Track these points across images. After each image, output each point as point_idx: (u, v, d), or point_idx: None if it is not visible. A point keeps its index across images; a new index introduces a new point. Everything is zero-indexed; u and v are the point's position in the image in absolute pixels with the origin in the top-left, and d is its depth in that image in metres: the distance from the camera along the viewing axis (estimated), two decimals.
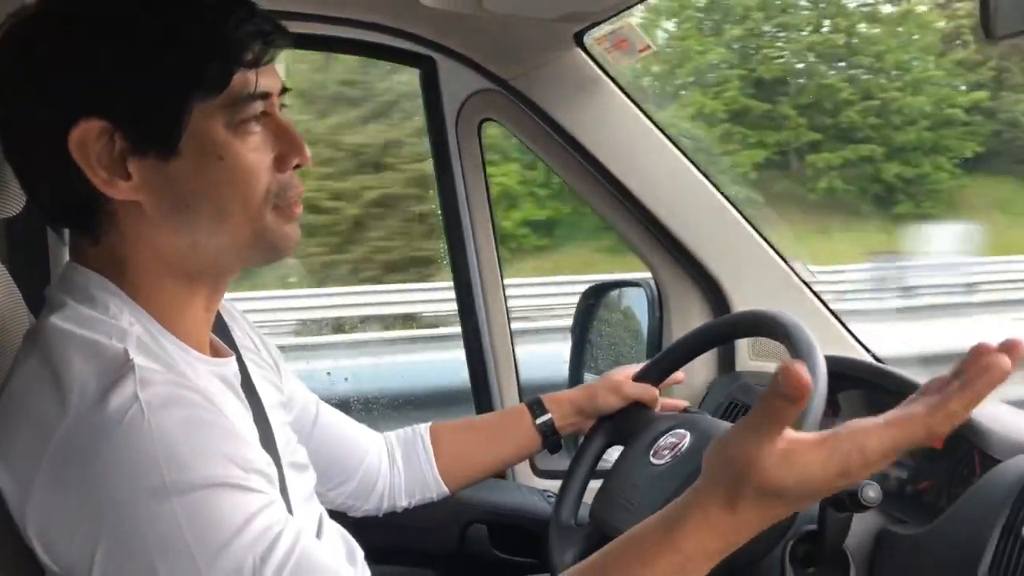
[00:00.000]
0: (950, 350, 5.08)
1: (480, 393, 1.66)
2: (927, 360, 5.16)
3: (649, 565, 0.70)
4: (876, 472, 0.67)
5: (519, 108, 1.49)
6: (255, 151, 0.80)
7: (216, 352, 0.91)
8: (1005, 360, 0.64)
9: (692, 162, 1.50)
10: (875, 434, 0.66)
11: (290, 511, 0.90)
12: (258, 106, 0.80)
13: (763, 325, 1.14)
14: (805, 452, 0.66)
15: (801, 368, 0.63)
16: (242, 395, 0.89)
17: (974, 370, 0.65)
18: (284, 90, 0.85)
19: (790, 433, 0.67)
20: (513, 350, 1.65)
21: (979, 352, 0.65)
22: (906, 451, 0.68)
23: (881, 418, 0.67)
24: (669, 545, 0.69)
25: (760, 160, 11.54)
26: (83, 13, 0.76)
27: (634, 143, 1.49)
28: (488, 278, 1.61)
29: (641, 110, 1.48)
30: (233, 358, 0.90)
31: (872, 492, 0.97)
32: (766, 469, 0.66)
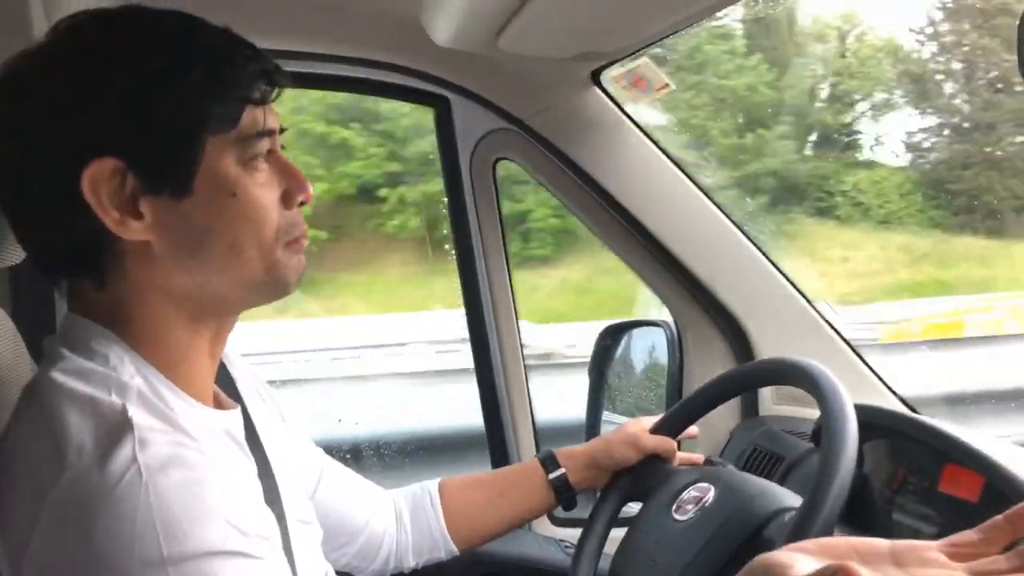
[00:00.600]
0: None
1: (493, 430, 1.63)
2: None
3: None
4: None
5: (535, 147, 1.46)
6: (263, 187, 0.80)
7: (220, 403, 0.88)
8: None
9: (712, 200, 1.46)
10: None
11: (295, 570, 0.87)
12: (266, 143, 0.80)
13: (788, 374, 1.10)
14: None
15: None
16: (246, 448, 0.86)
17: None
18: (282, 130, 0.85)
19: None
20: (528, 388, 1.62)
21: None
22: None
23: None
24: None
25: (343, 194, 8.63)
26: (92, 51, 0.76)
27: (652, 182, 1.46)
28: (502, 318, 1.58)
29: (660, 148, 1.45)
30: (238, 409, 0.88)
31: None
32: None
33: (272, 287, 0.82)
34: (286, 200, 0.82)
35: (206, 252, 0.78)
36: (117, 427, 0.68)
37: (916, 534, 1.16)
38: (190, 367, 0.81)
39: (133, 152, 0.74)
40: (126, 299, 0.78)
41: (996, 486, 1.07)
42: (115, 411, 0.70)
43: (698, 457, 1.25)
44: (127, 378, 0.74)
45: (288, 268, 0.82)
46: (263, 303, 0.84)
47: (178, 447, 0.69)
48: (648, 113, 1.46)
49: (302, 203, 0.83)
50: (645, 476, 1.19)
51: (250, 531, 0.69)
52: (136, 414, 0.70)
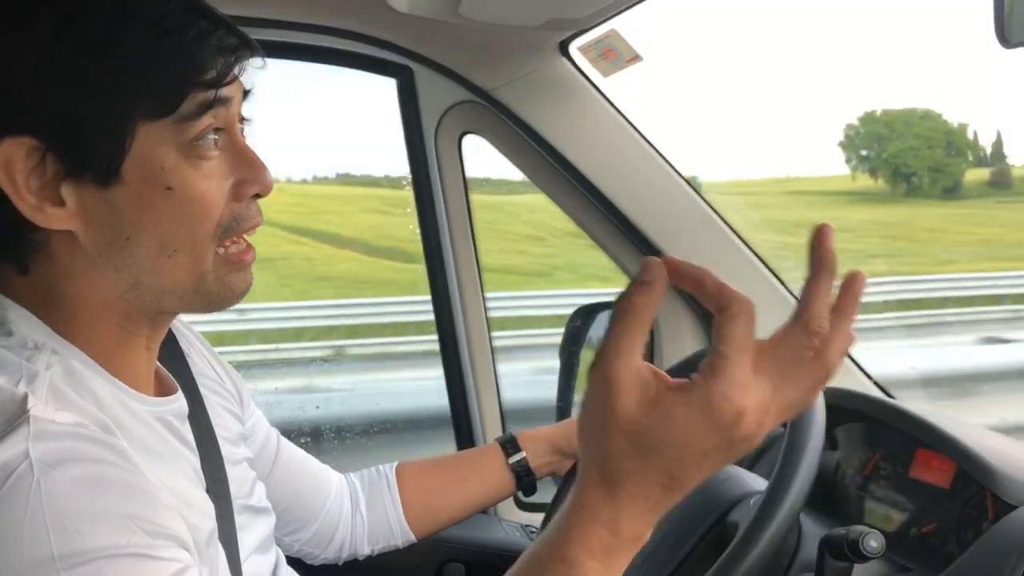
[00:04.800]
0: None
1: (460, 417, 1.59)
2: None
3: None
4: (765, 431, 0.56)
5: (501, 120, 1.41)
6: (209, 178, 0.72)
7: (163, 388, 0.83)
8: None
9: (681, 176, 1.42)
10: (750, 373, 0.55)
11: (238, 559, 0.83)
12: (208, 120, 0.71)
13: None
14: (666, 392, 0.55)
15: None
16: (188, 435, 0.81)
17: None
18: (245, 94, 0.77)
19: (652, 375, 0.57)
20: (495, 373, 1.57)
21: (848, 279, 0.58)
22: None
23: (759, 351, 0.56)
24: (556, 554, 0.58)
25: None
26: (10, 11, 0.68)
27: (621, 156, 1.41)
28: (469, 300, 1.54)
29: (629, 122, 1.40)
30: (179, 394, 0.82)
31: (874, 542, 0.90)
32: (627, 409, 0.55)
33: (205, 300, 0.75)
34: (238, 191, 0.74)
35: (134, 249, 0.71)
36: (12, 419, 0.62)
37: (887, 521, 1.14)
38: (124, 356, 0.76)
39: (52, 132, 0.67)
40: (53, 286, 0.72)
41: (966, 471, 1.04)
42: (15, 402, 0.64)
43: None
44: (41, 367, 0.68)
45: (221, 284, 0.74)
46: (201, 312, 0.77)
47: (80, 441, 0.64)
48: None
49: (257, 196, 0.75)
50: None
51: (158, 532, 0.63)
52: (37, 407, 0.64)
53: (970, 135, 19.16)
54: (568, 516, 0.59)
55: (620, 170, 1.40)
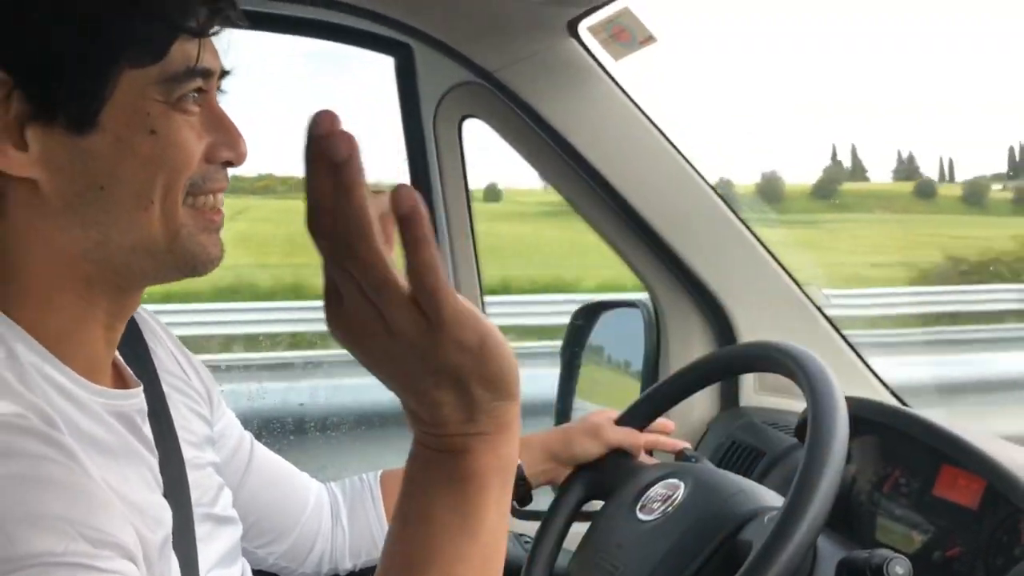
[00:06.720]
0: None
1: None
2: None
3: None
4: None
5: (504, 104, 1.33)
6: (191, 129, 0.68)
7: (122, 381, 0.76)
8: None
9: (695, 170, 1.34)
10: None
11: (196, 569, 0.75)
12: (197, 83, 0.67)
13: (769, 360, 0.98)
14: None
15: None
16: (147, 433, 0.74)
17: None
18: (224, 74, 0.72)
19: None
20: None
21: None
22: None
23: None
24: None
25: None
26: None
27: (632, 147, 1.33)
28: (467, 291, 1.45)
29: (640, 110, 1.32)
30: (139, 389, 0.75)
31: (900, 568, 0.82)
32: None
33: (179, 262, 0.69)
34: (211, 153, 0.70)
35: (107, 202, 0.65)
36: None
37: (908, 542, 1.06)
38: (80, 340, 0.69)
39: (23, 67, 0.62)
40: (7, 248, 0.66)
41: (998, 490, 0.96)
42: None
43: (652, 460, 1.13)
44: None
45: (196, 243, 0.69)
46: (170, 279, 0.72)
47: (19, 435, 0.57)
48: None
49: (228, 164, 0.71)
50: (608, 471, 1.08)
51: (104, 540, 0.56)
52: None
53: None
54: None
55: (630, 161, 1.32)
